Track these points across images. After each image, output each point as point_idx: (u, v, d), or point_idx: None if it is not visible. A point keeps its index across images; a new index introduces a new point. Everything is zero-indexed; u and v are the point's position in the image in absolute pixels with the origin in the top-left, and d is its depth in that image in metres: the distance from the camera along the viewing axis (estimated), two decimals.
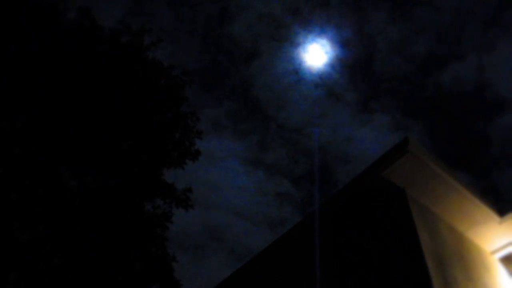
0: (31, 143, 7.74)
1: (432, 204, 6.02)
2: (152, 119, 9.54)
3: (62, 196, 7.75)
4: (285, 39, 30.39)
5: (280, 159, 33.25)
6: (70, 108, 8.30)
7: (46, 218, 7.52)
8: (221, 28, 29.63)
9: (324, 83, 30.15)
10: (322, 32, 28.33)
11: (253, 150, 32.29)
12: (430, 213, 5.98)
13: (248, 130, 33.90)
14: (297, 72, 30.32)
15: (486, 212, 6.24)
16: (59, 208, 7.58)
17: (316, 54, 28.62)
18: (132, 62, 9.43)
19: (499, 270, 6.60)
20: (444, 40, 28.94)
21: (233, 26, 29.67)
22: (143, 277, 8.54)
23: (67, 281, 7.26)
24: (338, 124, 31.83)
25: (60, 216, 7.56)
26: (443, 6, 27.65)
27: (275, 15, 29.71)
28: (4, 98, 7.71)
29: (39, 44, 8.21)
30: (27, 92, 7.94)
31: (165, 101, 9.77)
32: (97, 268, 7.62)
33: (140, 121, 9.22)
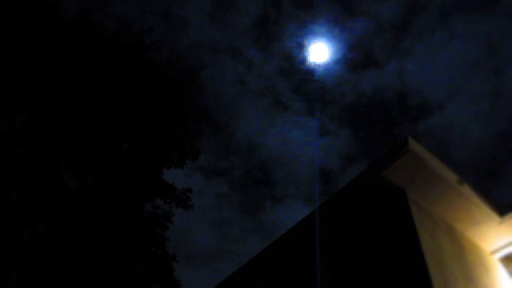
0: (31, 143, 7.73)
1: (432, 204, 6.02)
2: (152, 119, 9.54)
3: (62, 196, 7.75)
4: (228, 49, 31.00)
5: (216, 161, 34.24)
6: (70, 108, 8.30)
7: (46, 218, 7.52)
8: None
9: (269, 92, 31.89)
10: (265, 43, 29.79)
11: None
12: (430, 213, 5.98)
13: None
14: (242, 82, 31.47)
15: (486, 212, 6.24)
16: (59, 208, 7.58)
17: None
18: (133, 62, 9.43)
19: (499, 270, 6.60)
20: (365, 49, 30.14)
21: (174, 39, 29.97)
22: (143, 277, 8.54)
23: (67, 281, 7.26)
24: (280, 129, 33.98)
25: (60, 216, 7.56)
26: (362, 15, 28.79)
27: (217, 27, 30.25)
28: (4, 98, 7.71)
29: (40, 44, 8.22)
30: (27, 92, 7.94)
31: (165, 101, 9.78)
32: (97, 268, 7.63)
33: (140, 121, 9.23)
